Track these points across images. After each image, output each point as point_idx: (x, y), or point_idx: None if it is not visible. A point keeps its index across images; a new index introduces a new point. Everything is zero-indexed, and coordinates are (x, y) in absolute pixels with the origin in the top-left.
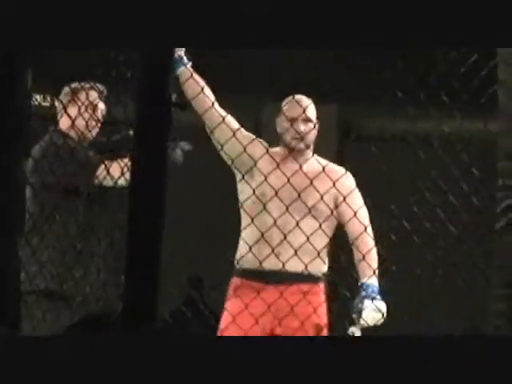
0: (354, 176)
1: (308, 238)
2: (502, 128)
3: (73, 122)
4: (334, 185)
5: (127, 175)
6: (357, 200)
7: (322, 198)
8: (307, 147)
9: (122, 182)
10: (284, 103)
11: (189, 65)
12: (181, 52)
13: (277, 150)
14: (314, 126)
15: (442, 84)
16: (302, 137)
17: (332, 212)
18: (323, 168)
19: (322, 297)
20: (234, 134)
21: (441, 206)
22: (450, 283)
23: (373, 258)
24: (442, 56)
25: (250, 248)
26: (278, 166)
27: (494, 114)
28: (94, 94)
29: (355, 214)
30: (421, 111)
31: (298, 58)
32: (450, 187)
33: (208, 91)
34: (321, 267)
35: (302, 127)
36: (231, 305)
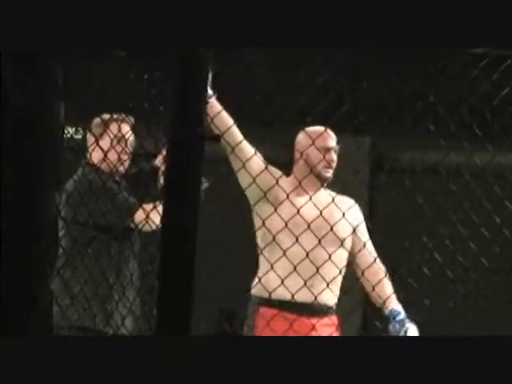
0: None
1: (340, 272)
2: None
3: (105, 155)
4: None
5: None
6: (366, 231)
7: (353, 228)
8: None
9: (152, 227)
10: (311, 133)
11: (213, 98)
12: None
13: (293, 178)
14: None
15: (475, 116)
16: (333, 167)
17: (354, 240)
18: (341, 198)
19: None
20: (266, 168)
21: (473, 239)
22: (482, 315)
23: (390, 285)
24: (474, 89)
25: (283, 281)
26: (310, 198)
27: None
28: (126, 127)
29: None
30: (453, 143)
31: (331, 91)
32: (482, 220)
33: (235, 127)
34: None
35: (334, 157)
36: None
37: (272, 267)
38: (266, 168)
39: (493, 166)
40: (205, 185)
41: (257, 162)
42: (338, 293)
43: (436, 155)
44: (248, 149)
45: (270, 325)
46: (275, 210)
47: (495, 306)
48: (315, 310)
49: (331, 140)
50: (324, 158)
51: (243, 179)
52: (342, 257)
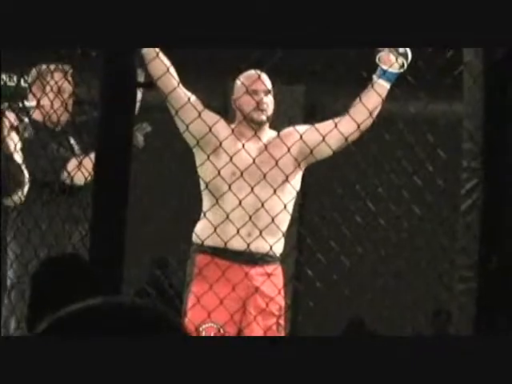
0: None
1: (273, 220)
2: (466, 110)
3: (37, 106)
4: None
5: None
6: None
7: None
8: (268, 119)
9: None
10: (240, 78)
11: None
12: None
13: (234, 126)
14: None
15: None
16: (264, 108)
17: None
18: (283, 133)
19: (282, 278)
20: (200, 115)
21: (406, 188)
22: (414, 264)
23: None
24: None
25: (216, 228)
26: (243, 146)
27: (459, 96)
28: (59, 76)
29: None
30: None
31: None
32: (415, 168)
33: (173, 71)
34: (282, 246)
35: (264, 99)
36: (197, 285)
37: (205, 215)
38: (200, 113)
39: (426, 114)
40: (147, 129)
41: (195, 105)
42: (278, 241)
43: None
44: (184, 93)
45: (202, 273)
46: (208, 157)
47: (427, 255)
48: (248, 257)
49: (259, 82)
50: (255, 101)
51: (180, 124)
52: (281, 202)
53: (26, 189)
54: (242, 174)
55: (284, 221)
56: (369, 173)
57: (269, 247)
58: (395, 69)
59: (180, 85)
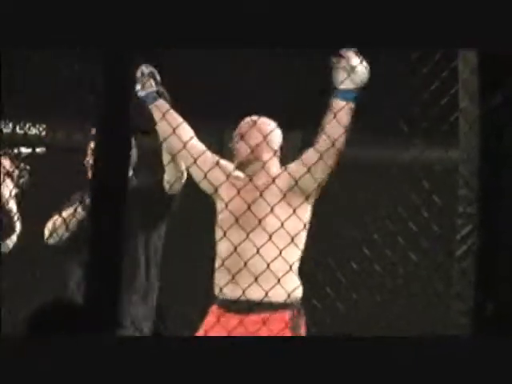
0: (314, 204)
1: (268, 266)
2: (462, 156)
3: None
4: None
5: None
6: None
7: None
8: (241, 164)
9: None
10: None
11: (160, 100)
12: (153, 87)
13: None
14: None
15: (403, 111)
16: (233, 154)
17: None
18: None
19: (284, 323)
20: (196, 161)
21: (401, 234)
22: (410, 309)
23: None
24: (404, 82)
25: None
26: (238, 192)
27: (454, 142)
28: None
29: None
30: (381, 139)
31: (263, 84)
32: (411, 215)
33: (185, 125)
34: (285, 292)
35: (236, 145)
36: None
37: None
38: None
39: (421, 160)
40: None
41: (207, 157)
42: (279, 288)
43: (363, 150)
44: (199, 145)
45: (203, 319)
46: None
47: (423, 300)
48: (242, 306)
49: (242, 128)
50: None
51: (196, 175)
52: (277, 248)
53: (15, 236)
54: (237, 219)
55: (280, 266)
56: (364, 219)
57: (263, 294)
58: (345, 85)
59: (194, 138)
